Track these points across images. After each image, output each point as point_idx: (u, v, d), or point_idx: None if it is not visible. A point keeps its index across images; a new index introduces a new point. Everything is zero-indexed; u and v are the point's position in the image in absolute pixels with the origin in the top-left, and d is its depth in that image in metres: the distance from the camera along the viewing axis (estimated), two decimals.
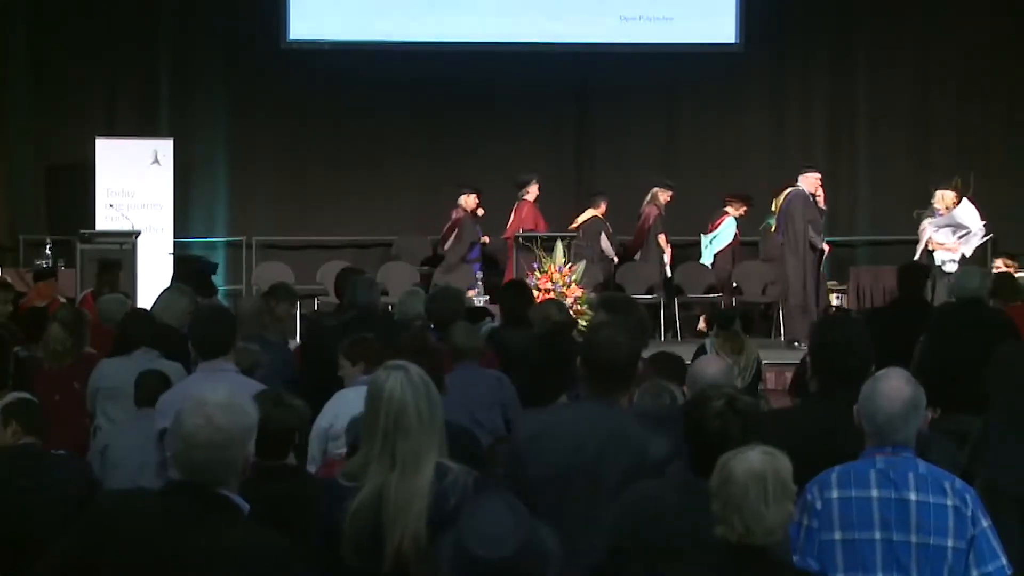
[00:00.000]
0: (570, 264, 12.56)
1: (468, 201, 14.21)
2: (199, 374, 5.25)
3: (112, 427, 6.24)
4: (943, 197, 12.82)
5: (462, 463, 3.58)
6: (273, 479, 4.33)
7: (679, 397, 4.88)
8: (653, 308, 13.99)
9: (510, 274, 13.16)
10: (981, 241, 12.72)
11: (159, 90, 15.32)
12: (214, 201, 15.40)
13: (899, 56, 15.92)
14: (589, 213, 14.40)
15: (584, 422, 4.06)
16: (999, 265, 12.11)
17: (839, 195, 15.30)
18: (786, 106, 15.97)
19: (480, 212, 14.33)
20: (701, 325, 14.04)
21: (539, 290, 11.98)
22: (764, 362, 8.30)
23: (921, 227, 12.85)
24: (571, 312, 9.61)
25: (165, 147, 14.47)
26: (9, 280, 11.11)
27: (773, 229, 13.58)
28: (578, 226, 14.39)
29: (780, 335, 13.68)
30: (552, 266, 12.33)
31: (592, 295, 13.08)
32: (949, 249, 12.55)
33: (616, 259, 14.47)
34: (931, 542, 3.56)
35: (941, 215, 12.74)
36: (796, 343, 12.58)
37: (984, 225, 12.68)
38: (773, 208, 13.79)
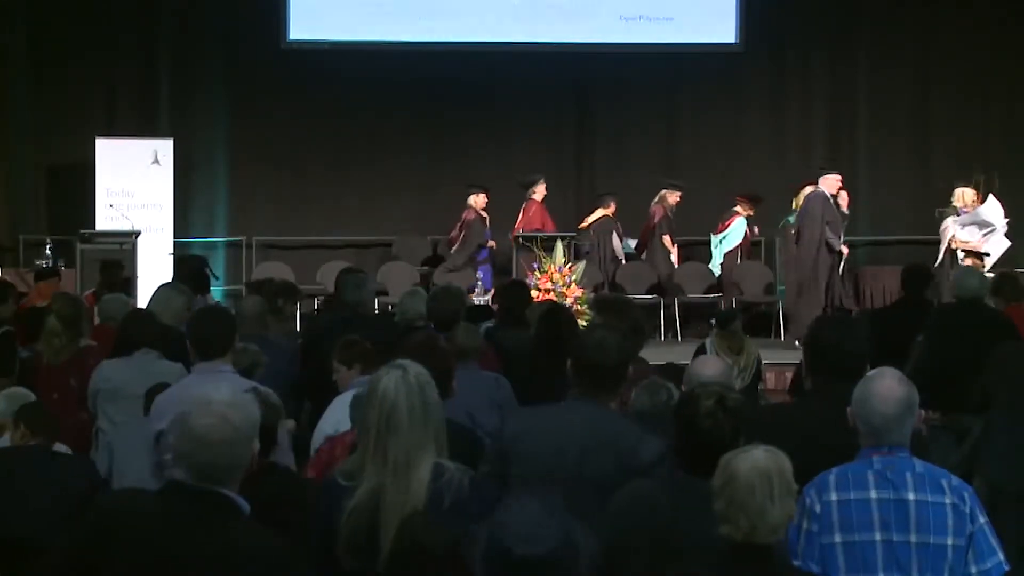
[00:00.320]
0: (570, 264, 12.58)
1: (478, 201, 14.21)
2: (195, 376, 5.22)
3: (118, 430, 6.24)
4: (963, 195, 12.77)
5: (463, 463, 3.58)
6: (262, 477, 4.33)
7: (676, 395, 4.88)
8: (653, 308, 14.02)
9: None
10: (1007, 245, 12.62)
11: (159, 90, 15.32)
12: (214, 201, 15.40)
13: (899, 56, 15.92)
14: (599, 213, 14.39)
15: (569, 422, 4.06)
16: (968, 264, 12.03)
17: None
18: (786, 106, 15.97)
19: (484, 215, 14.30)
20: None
21: (539, 290, 12.00)
22: (764, 362, 8.29)
23: (944, 226, 12.80)
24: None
25: (165, 147, 14.47)
26: (9, 280, 11.10)
27: (795, 231, 13.52)
28: (587, 226, 14.41)
29: (780, 335, 13.68)
30: (552, 266, 12.33)
31: (592, 295, 13.12)
32: (974, 247, 12.52)
33: (624, 259, 14.46)
34: (931, 541, 3.56)
35: (966, 212, 12.69)
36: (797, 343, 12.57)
37: (1007, 223, 12.61)
38: (794, 207, 13.80)
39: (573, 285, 12.28)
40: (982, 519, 3.61)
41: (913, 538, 3.57)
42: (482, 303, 11.48)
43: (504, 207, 14.25)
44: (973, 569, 3.56)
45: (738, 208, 14.34)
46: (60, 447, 5.85)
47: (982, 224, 12.52)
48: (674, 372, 5.74)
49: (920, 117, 15.92)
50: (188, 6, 15.38)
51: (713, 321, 10.66)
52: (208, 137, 15.40)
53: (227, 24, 15.30)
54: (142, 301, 10.90)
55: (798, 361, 8.44)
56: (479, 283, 13.08)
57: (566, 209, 14.90)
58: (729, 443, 3.52)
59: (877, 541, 3.58)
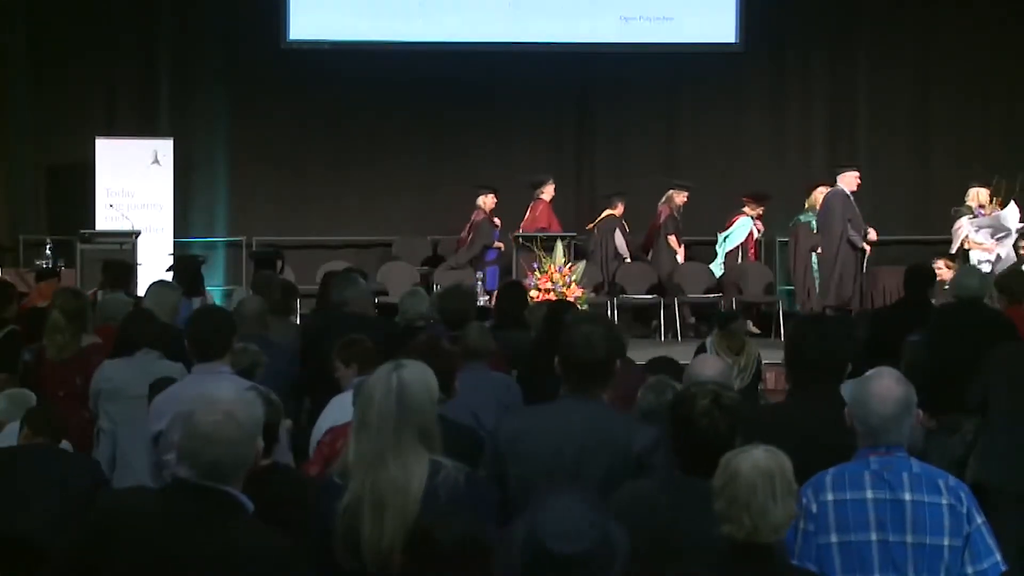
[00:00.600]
0: (570, 264, 12.58)
1: (487, 201, 14.20)
2: (192, 377, 5.22)
3: (121, 428, 6.25)
4: (978, 195, 12.76)
5: (463, 462, 3.58)
6: (265, 476, 4.34)
7: None
8: (653, 308, 14.03)
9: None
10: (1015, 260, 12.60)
11: (159, 90, 15.32)
12: (214, 201, 15.40)
13: (899, 56, 15.92)
14: (605, 213, 14.40)
15: (564, 420, 4.06)
16: (940, 266, 12.01)
17: None
18: (786, 106, 15.97)
19: (496, 219, 14.28)
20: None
21: (539, 290, 12.00)
22: (764, 362, 8.29)
23: (957, 225, 12.79)
24: None
25: (165, 147, 14.48)
26: (10, 280, 11.10)
27: (816, 230, 13.49)
28: (593, 226, 14.42)
29: (781, 335, 13.66)
30: (552, 266, 12.34)
31: (592, 295, 13.14)
32: (986, 249, 12.51)
33: (629, 258, 14.46)
34: (927, 541, 3.56)
35: (983, 214, 12.67)
36: None
37: (1021, 228, 12.61)
38: (807, 206, 13.79)
39: (573, 285, 12.28)
40: (979, 519, 3.61)
41: (909, 538, 3.57)
42: (481, 304, 11.49)
43: (504, 207, 14.25)
44: (970, 569, 3.56)
45: (746, 208, 14.31)
46: (65, 444, 5.86)
47: (998, 228, 12.51)
48: (674, 371, 5.73)
49: (920, 117, 15.91)
50: (188, 6, 15.38)
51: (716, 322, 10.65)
52: (208, 137, 15.40)
53: (227, 24, 15.31)
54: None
55: None
56: (479, 283, 13.08)
57: (566, 209, 14.89)
58: (726, 441, 3.53)
59: (873, 541, 3.58)
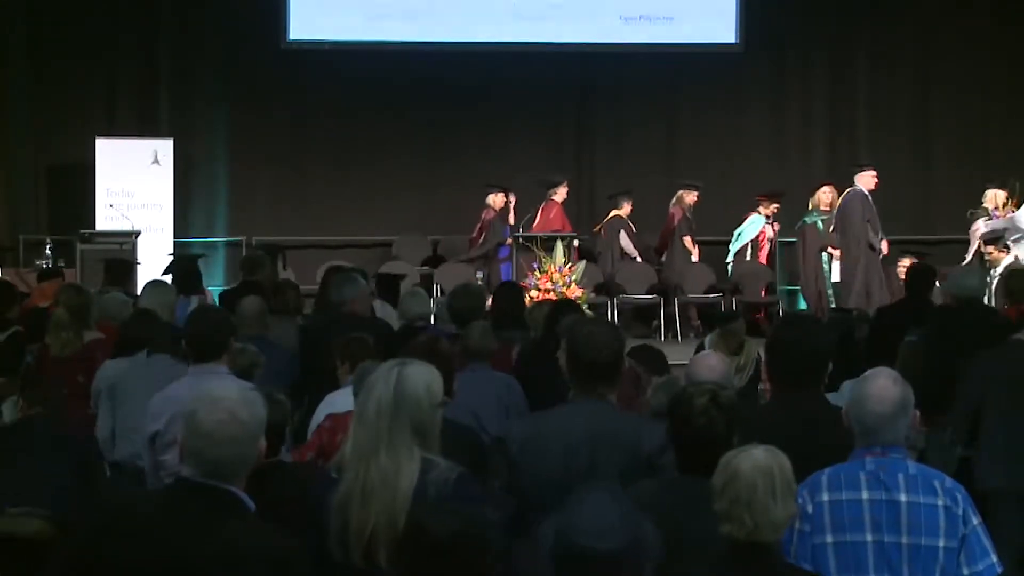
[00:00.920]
0: (570, 264, 12.59)
1: (496, 200, 14.21)
2: (189, 378, 5.21)
3: (120, 365, 6.28)
4: (995, 196, 12.76)
5: (462, 461, 3.59)
6: (271, 475, 4.35)
7: None
8: (653, 308, 14.03)
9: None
10: None
11: (159, 90, 15.33)
12: (214, 201, 15.41)
13: (899, 56, 15.93)
14: (612, 213, 14.39)
15: (574, 423, 4.06)
16: (906, 264, 12.00)
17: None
18: (786, 106, 15.98)
19: (512, 218, 14.26)
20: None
21: (539, 290, 12.01)
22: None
23: (974, 227, 12.79)
24: None
25: (165, 147, 14.48)
26: (10, 280, 11.10)
27: (832, 229, 13.46)
28: (599, 227, 14.42)
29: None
30: (552, 266, 12.34)
31: (592, 295, 13.14)
32: (1001, 252, 12.51)
33: (639, 258, 14.45)
34: (922, 543, 3.56)
35: (998, 216, 12.67)
36: None
37: None
38: (811, 206, 13.78)
39: (573, 285, 12.28)
40: (975, 520, 3.60)
41: (904, 539, 3.56)
42: None
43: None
44: (966, 571, 3.55)
45: (760, 208, 14.28)
46: None
47: (1014, 230, 12.50)
48: (657, 360, 5.74)
49: (920, 117, 15.92)
50: (188, 6, 15.39)
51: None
52: (208, 137, 15.41)
53: (227, 24, 15.31)
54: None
55: None
56: (479, 283, 13.08)
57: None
58: (724, 440, 3.53)
59: (868, 542, 3.57)
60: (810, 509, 3.59)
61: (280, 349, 7.06)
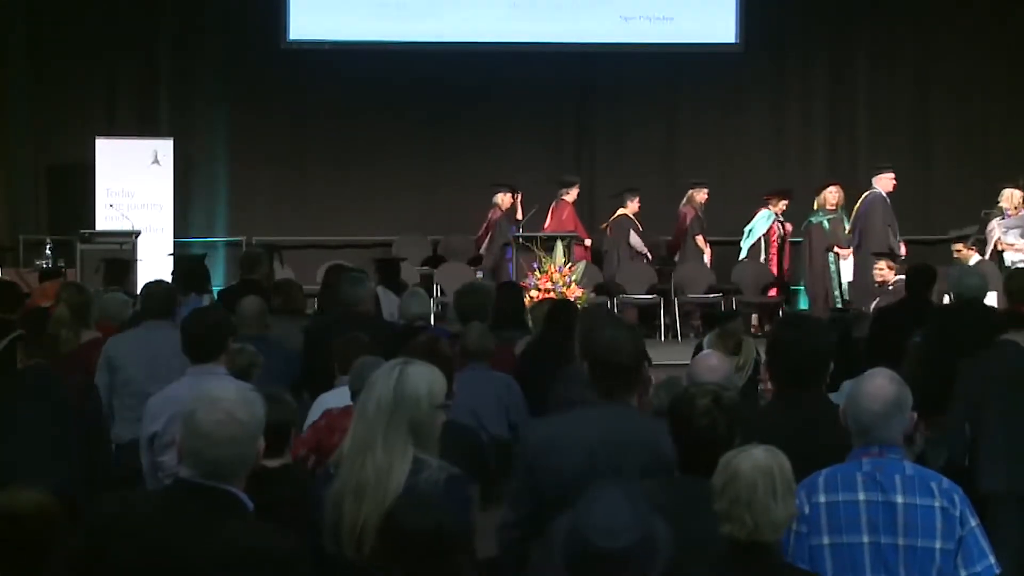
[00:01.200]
0: (570, 264, 12.59)
1: (504, 200, 14.20)
2: (187, 379, 5.21)
3: (122, 337, 6.38)
4: (1012, 196, 12.75)
5: (461, 461, 3.60)
6: (277, 477, 4.35)
7: None
8: (653, 308, 14.02)
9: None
10: None
11: (159, 90, 15.33)
12: (214, 201, 15.41)
13: (899, 56, 15.93)
14: (619, 212, 14.39)
15: (594, 426, 4.03)
16: (881, 266, 11.98)
17: None
18: (786, 106, 15.98)
19: (520, 215, 14.26)
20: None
21: (539, 290, 12.01)
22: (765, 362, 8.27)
23: (989, 227, 12.78)
24: None
25: (165, 147, 14.49)
26: (11, 280, 11.10)
27: (849, 230, 13.42)
28: (606, 226, 14.41)
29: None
30: (552, 266, 12.34)
31: (592, 295, 13.14)
32: (1019, 250, 12.51)
33: (649, 256, 14.44)
34: (919, 544, 3.55)
35: (1010, 215, 12.66)
36: None
37: None
38: (816, 207, 13.75)
39: (573, 285, 12.28)
40: (973, 522, 3.59)
41: (901, 541, 3.56)
42: None
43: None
44: (963, 573, 3.54)
45: (769, 206, 14.26)
46: None
47: None
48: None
49: (920, 117, 15.92)
50: (188, 6, 15.39)
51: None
52: (208, 137, 15.41)
53: (227, 24, 15.31)
54: None
55: None
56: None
57: None
58: (725, 441, 3.53)
59: (865, 543, 3.57)
60: (807, 510, 3.58)
61: (280, 349, 7.05)
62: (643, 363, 4.24)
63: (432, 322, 11.39)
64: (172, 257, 13.83)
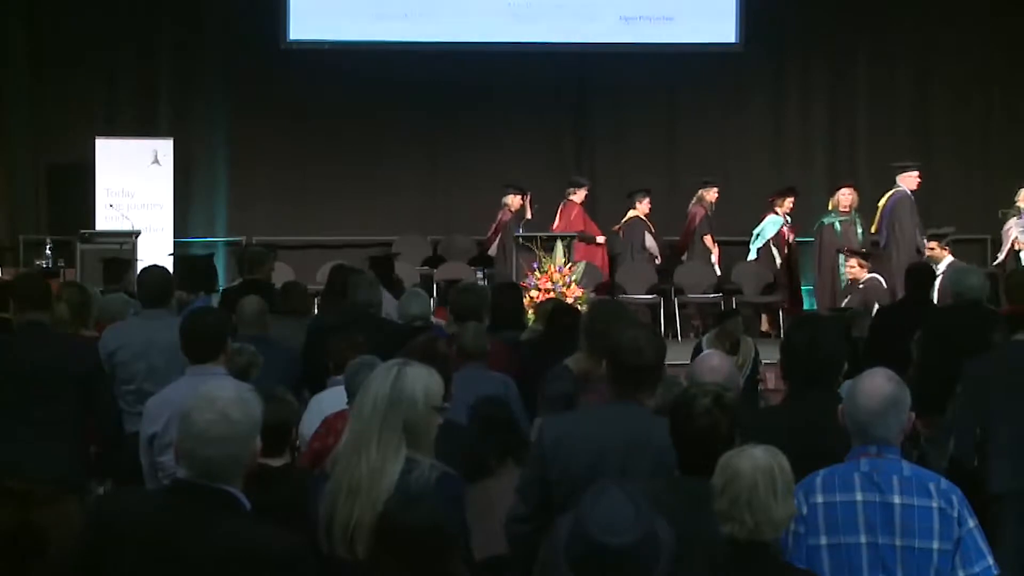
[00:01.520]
0: (570, 264, 12.59)
1: (513, 202, 14.19)
2: (186, 379, 5.20)
3: (119, 326, 6.41)
4: None
5: (458, 461, 3.61)
6: (279, 477, 4.35)
7: None
8: (653, 308, 14.02)
9: None
10: None
11: (159, 90, 15.33)
12: (214, 201, 15.41)
13: (899, 56, 15.93)
14: (630, 214, 14.38)
15: (609, 425, 4.06)
16: (853, 264, 11.92)
17: None
18: (786, 106, 15.98)
19: (529, 215, 14.25)
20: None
21: (539, 290, 12.01)
22: (765, 362, 8.29)
23: (1006, 227, 12.78)
24: None
25: (165, 147, 14.49)
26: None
27: (874, 228, 13.40)
28: (619, 228, 14.40)
29: (781, 335, 13.65)
30: (552, 266, 12.34)
31: (592, 295, 13.13)
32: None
33: (660, 258, 14.44)
34: (916, 545, 3.55)
35: None
36: None
37: None
38: (830, 207, 13.74)
39: (573, 285, 12.28)
40: (971, 523, 3.59)
41: (898, 541, 3.56)
42: None
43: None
44: (961, 574, 3.54)
45: (776, 208, 14.26)
46: None
47: None
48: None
49: (920, 117, 15.92)
50: (188, 6, 15.38)
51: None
52: (208, 137, 15.41)
53: (227, 24, 15.31)
54: None
55: None
56: (482, 283, 13.07)
57: None
58: (726, 441, 3.53)
59: (862, 544, 3.57)
60: (805, 511, 3.58)
61: (280, 349, 7.05)
62: (663, 365, 4.25)
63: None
64: (172, 257, 13.85)
